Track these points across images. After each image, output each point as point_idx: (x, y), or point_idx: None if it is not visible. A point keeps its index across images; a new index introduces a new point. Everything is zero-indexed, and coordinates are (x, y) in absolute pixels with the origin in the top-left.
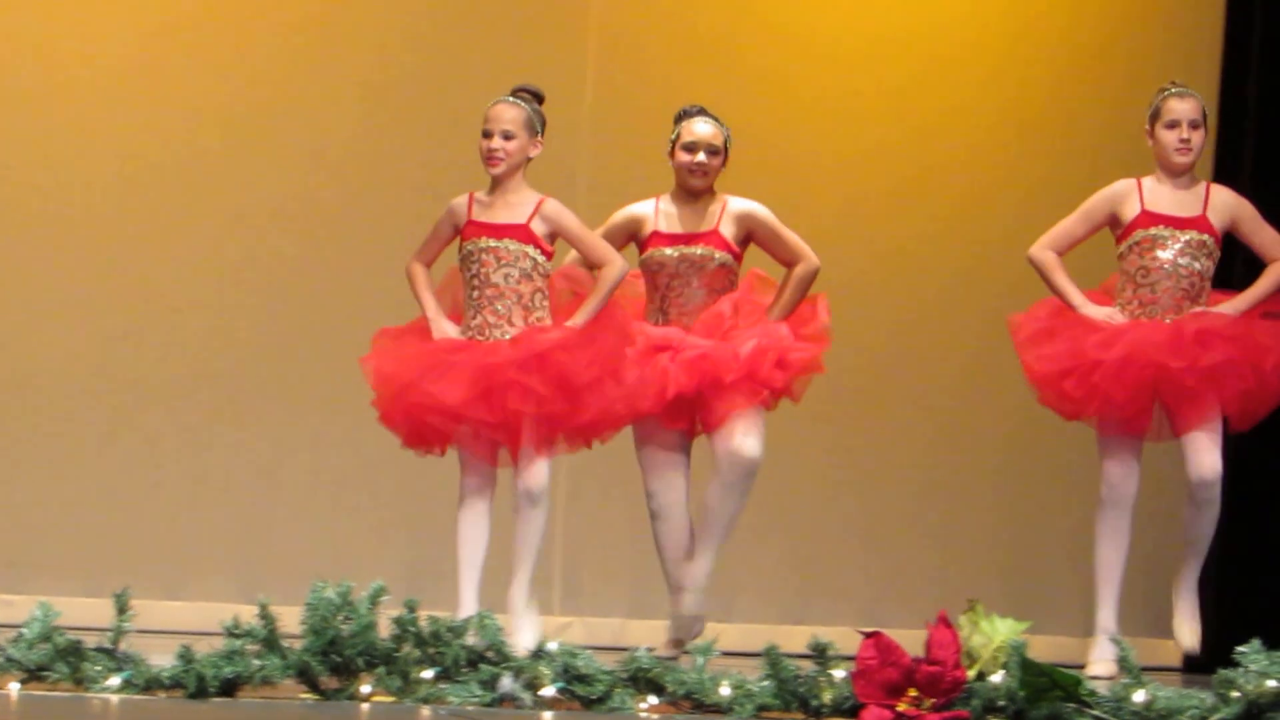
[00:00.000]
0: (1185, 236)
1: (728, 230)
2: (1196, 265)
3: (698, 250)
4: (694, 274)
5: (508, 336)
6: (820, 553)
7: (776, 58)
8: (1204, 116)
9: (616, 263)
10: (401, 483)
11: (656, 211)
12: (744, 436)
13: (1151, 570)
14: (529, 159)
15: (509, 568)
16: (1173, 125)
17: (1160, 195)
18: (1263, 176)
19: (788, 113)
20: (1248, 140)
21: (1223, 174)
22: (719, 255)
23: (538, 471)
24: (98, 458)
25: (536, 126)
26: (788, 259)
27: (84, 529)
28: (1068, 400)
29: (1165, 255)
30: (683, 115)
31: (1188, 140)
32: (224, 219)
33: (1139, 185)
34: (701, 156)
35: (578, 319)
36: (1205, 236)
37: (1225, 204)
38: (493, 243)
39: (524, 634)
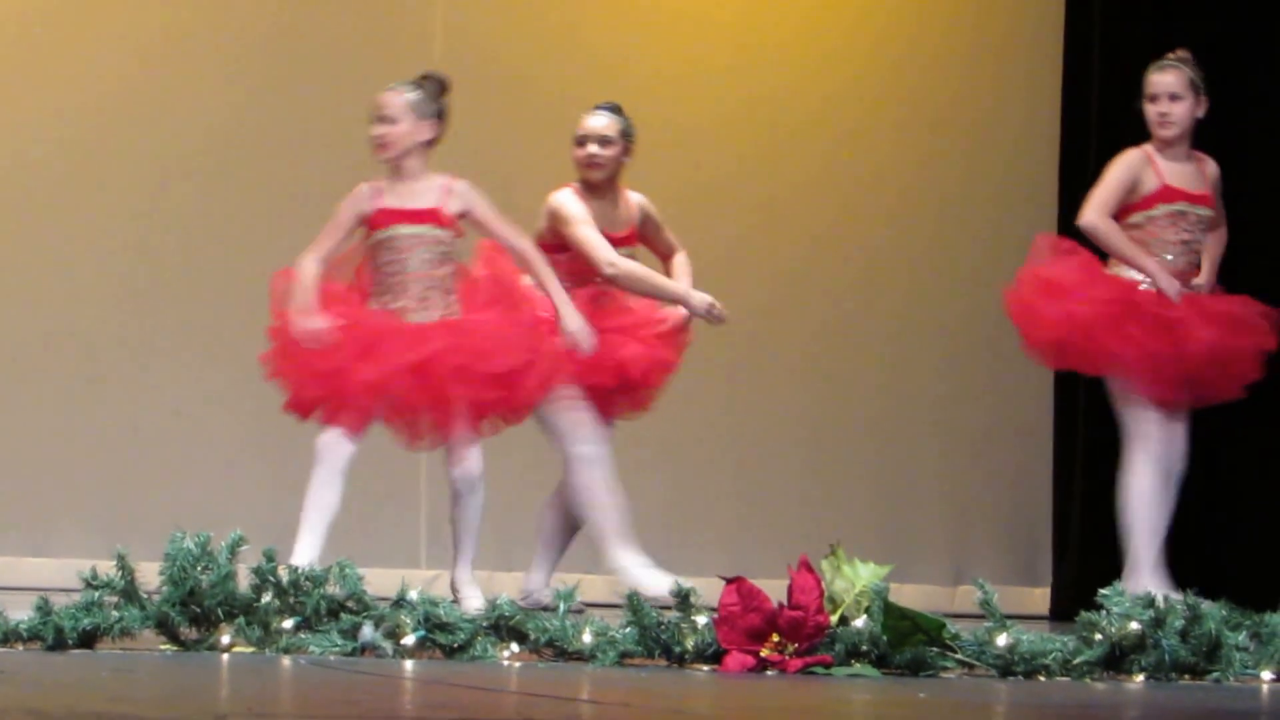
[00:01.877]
0: (1200, 212)
1: (636, 223)
2: (1199, 240)
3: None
4: None
5: (427, 320)
6: (688, 501)
7: (616, 34)
8: (1191, 87)
9: (530, 242)
10: (264, 438)
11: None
12: None
13: (1020, 520)
14: (423, 143)
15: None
16: (1154, 99)
17: (1172, 170)
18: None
19: (631, 87)
20: (1091, 140)
21: (1068, 174)
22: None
23: (474, 458)
24: None
25: (425, 110)
26: (666, 251)
27: None
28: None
29: (1186, 229)
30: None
31: (1166, 114)
32: (83, 179)
33: (1150, 157)
34: (592, 148)
35: (562, 308)
36: (1209, 213)
37: (1214, 176)
38: (407, 228)
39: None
